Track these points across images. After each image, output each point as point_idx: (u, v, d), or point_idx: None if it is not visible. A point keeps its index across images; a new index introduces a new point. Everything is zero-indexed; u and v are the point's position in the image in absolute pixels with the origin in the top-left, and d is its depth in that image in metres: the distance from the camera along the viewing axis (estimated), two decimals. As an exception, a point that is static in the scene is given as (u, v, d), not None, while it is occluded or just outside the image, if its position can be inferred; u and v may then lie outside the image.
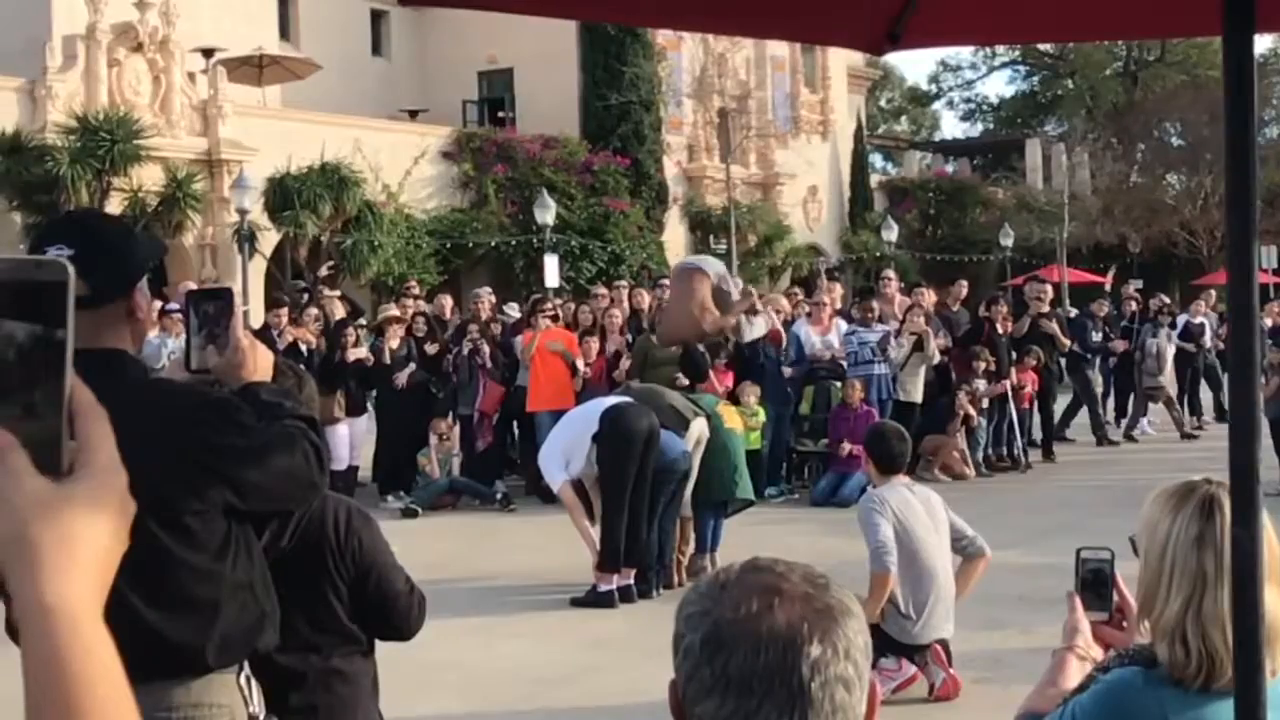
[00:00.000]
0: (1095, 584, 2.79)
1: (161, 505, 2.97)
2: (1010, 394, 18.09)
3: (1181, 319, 23.16)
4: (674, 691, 1.49)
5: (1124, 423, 21.93)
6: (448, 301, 19.25)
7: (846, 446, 15.38)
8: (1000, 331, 18.05)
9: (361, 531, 4.24)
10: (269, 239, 29.05)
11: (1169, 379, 21.89)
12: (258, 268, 28.08)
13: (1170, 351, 21.75)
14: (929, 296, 18.99)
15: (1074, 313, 24.46)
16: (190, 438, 3.07)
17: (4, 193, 27.06)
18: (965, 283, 20.89)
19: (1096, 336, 21.42)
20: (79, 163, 26.58)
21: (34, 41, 28.95)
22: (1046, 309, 18.99)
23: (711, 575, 1.58)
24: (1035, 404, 18.91)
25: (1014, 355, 18.29)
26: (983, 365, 17.55)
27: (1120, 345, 21.71)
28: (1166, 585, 2.52)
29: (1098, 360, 21.88)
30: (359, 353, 16.05)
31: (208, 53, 31.51)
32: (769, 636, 1.44)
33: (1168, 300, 25.12)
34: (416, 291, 20.41)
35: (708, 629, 1.45)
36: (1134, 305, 22.93)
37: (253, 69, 32.16)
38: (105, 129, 27.10)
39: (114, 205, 27.60)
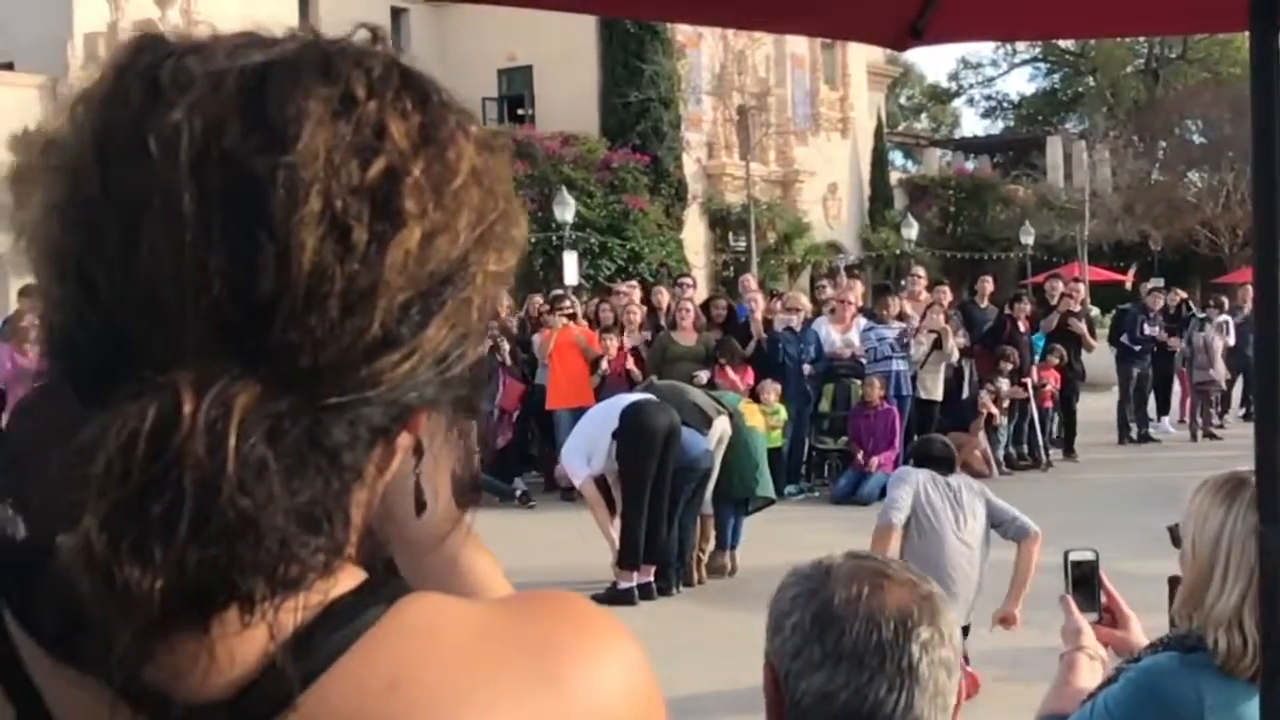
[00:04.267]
0: (1083, 585, 2.80)
1: None
2: (1032, 392, 18.04)
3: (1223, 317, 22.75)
4: (770, 670, 1.55)
5: (1163, 420, 21.76)
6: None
7: (876, 461, 15.39)
8: (1022, 329, 18.00)
9: None
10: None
11: (1220, 373, 21.67)
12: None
13: (1219, 345, 21.51)
14: (949, 294, 18.94)
15: (1094, 311, 24.32)
16: None
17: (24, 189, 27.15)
18: (990, 279, 20.78)
19: (1152, 330, 20.90)
20: (100, 160, 26.72)
21: (56, 39, 29.09)
22: (1077, 307, 18.92)
23: (812, 562, 1.65)
24: (1057, 402, 18.85)
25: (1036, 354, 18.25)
26: (1009, 365, 17.51)
27: (1174, 341, 21.27)
28: (1221, 577, 2.50)
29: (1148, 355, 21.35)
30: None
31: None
32: (882, 615, 1.51)
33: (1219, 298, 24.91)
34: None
35: (818, 607, 1.53)
36: (1177, 299, 22.66)
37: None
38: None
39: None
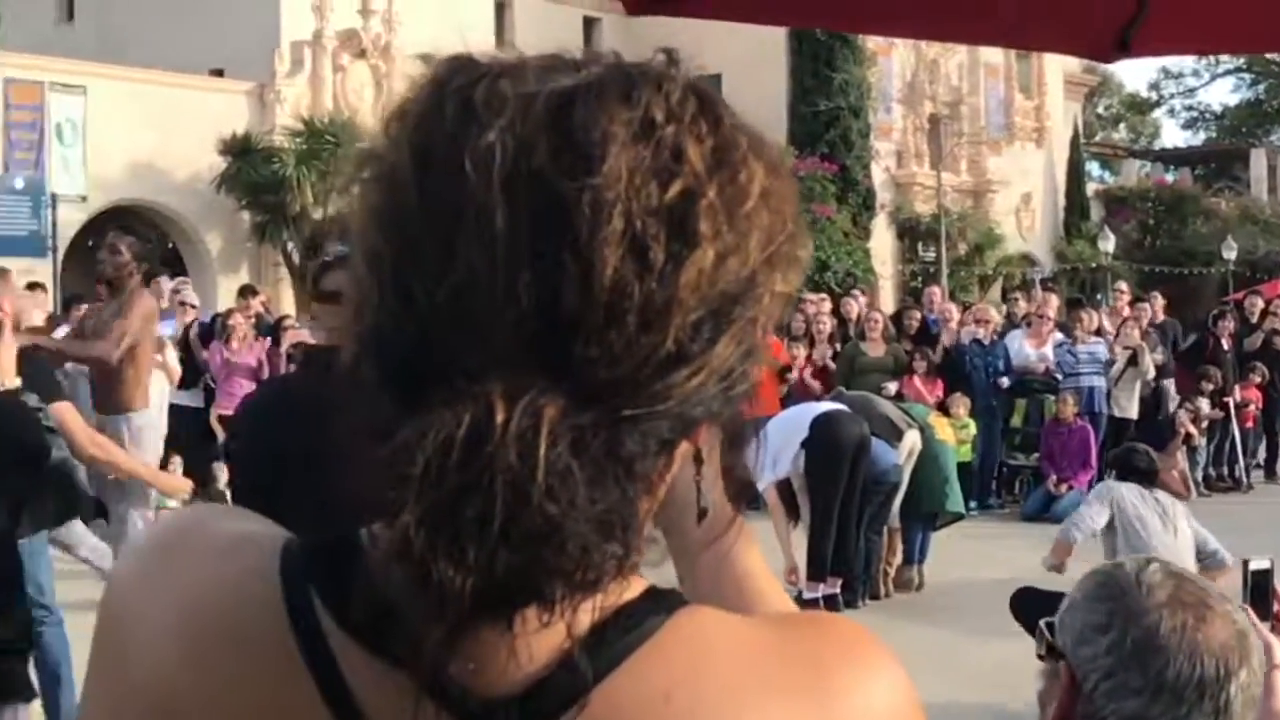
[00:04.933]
0: (1260, 594, 2.73)
1: None
2: (1233, 412, 17.46)
3: None
4: (1068, 674, 1.54)
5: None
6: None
7: (1065, 486, 15.09)
8: (1225, 347, 17.43)
9: None
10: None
11: None
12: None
13: None
14: (1152, 308, 18.41)
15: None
16: None
17: (234, 192, 28.15)
18: (1159, 296, 20.11)
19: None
20: (304, 164, 27.50)
21: (264, 47, 30.08)
22: (1281, 325, 18.27)
23: (1117, 567, 1.64)
24: (1259, 423, 18.21)
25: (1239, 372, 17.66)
26: (1210, 385, 16.98)
27: None
28: None
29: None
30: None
31: (426, 59, 32.26)
32: (1206, 651, 1.52)
33: None
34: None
35: (1141, 634, 1.52)
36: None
37: (469, 74, 32.84)
38: (330, 132, 27.98)
39: (336, 207, 28.45)
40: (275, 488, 1.80)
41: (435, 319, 0.86)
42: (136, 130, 27.48)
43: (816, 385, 14.95)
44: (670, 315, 0.87)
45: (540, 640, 0.89)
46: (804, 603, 10.19)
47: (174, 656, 0.95)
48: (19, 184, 25.54)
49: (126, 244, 7.48)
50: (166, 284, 15.00)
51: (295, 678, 0.91)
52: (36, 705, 4.26)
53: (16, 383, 3.83)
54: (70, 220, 26.38)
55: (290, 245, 28.43)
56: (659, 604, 0.94)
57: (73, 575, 6.47)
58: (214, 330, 14.12)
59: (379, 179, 0.92)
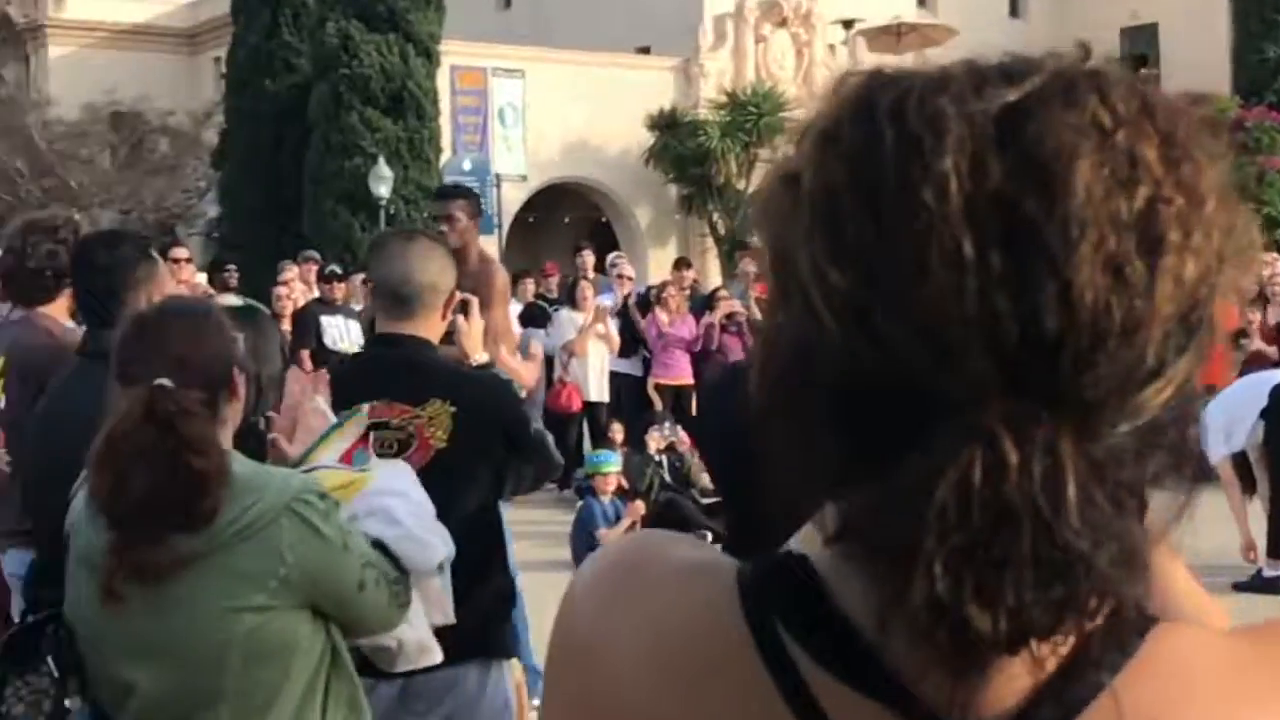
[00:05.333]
0: None
1: None
2: None
3: None
4: None
5: None
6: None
7: None
8: None
9: None
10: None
11: None
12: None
13: None
14: None
15: None
16: None
17: (661, 166, 28.96)
18: None
19: None
20: (728, 136, 27.99)
21: (688, 23, 30.73)
22: None
23: None
24: None
25: None
26: None
27: None
28: None
29: None
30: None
31: (848, 24, 32.18)
32: None
33: None
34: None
35: None
36: None
37: (891, 37, 32.45)
38: (752, 103, 28.37)
39: (760, 176, 28.77)
40: (738, 475, 1.81)
41: (902, 349, 0.84)
42: (570, 110, 28.64)
43: (1274, 351, 14.03)
44: (1149, 330, 0.84)
45: (1027, 667, 0.87)
46: (1265, 581, 9.64)
47: (648, 685, 0.96)
48: (467, 165, 27.11)
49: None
50: (589, 257, 15.57)
51: (770, 708, 0.92)
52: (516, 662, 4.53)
53: (485, 357, 4.02)
54: (512, 198, 27.80)
55: (716, 217, 29.00)
56: (1134, 621, 0.90)
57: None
58: (649, 300, 14.55)
59: (815, 210, 0.87)
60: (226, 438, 2.58)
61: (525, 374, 5.34)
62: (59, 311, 4.55)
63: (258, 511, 2.47)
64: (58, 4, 40.49)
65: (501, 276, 6.55)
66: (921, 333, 0.83)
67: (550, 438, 3.81)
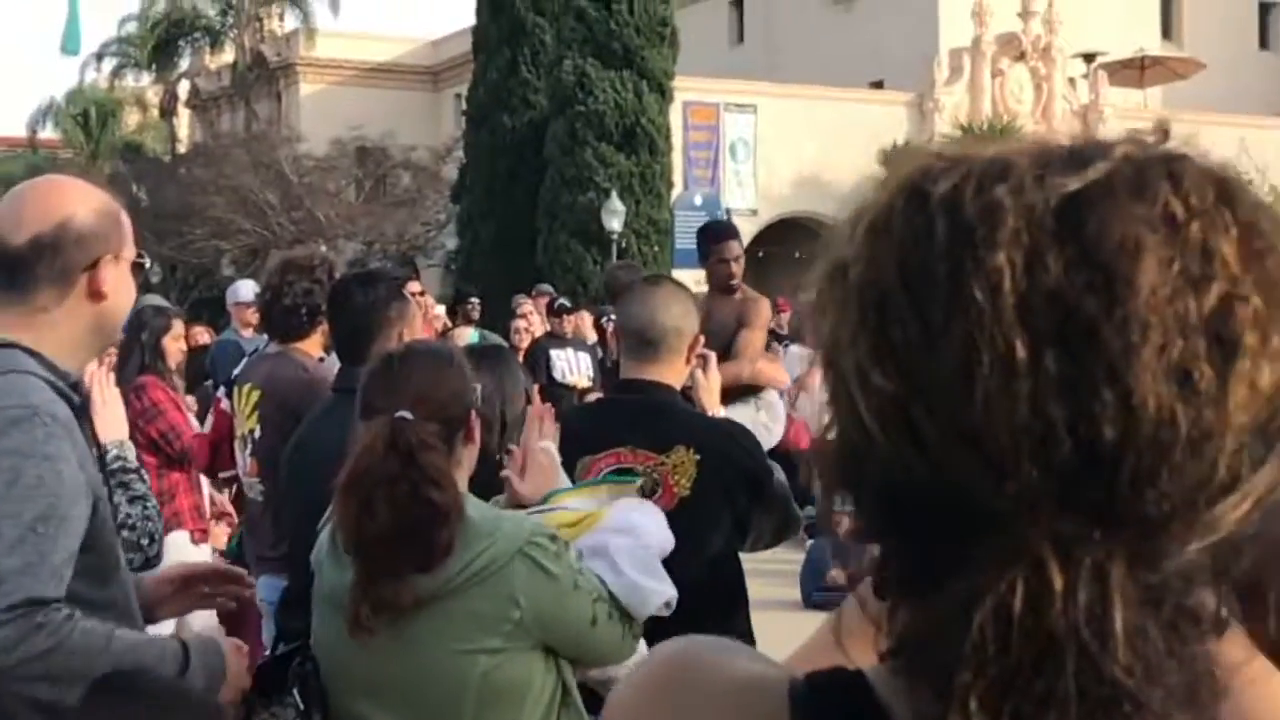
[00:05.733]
0: None
1: None
2: None
3: None
4: None
5: None
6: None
7: None
8: None
9: None
10: (1147, 244, 28.46)
11: None
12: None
13: None
14: None
15: None
16: None
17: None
18: None
19: None
20: (963, 172, 27.56)
21: (923, 57, 30.42)
22: None
23: None
24: None
25: None
26: None
27: None
28: None
29: None
30: None
31: (1089, 57, 31.44)
32: None
33: None
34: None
35: None
36: None
37: (1134, 71, 31.68)
38: (989, 138, 27.83)
39: (994, 212, 28.33)
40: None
41: (951, 459, 0.77)
42: (802, 144, 28.61)
43: None
44: (1221, 441, 0.76)
45: None
46: None
47: None
48: (697, 200, 27.31)
49: None
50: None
51: None
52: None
53: (722, 411, 4.01)
54: (743, 233, 27.84)
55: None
56: None
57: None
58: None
59: (862, 304, 0.82)
60: (462, 480, 2.62)
61: (778, 375, 5.34)
62: (313, 347, 4.70)
63: (491, 555, 2.50)
64: (309, 43, 42.28)
65: (765, 305, 6.73)
66: (968, 441, 0.77)
67: (790, 494, 3.76)
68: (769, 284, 28.74)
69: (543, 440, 3.01)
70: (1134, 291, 0.75)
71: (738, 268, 6.58)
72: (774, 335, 15.82)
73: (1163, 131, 0.83)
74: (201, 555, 5.96)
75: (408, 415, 2.49)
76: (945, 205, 0.80)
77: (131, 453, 3.12)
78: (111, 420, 3.09)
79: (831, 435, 0.86)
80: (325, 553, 2.67)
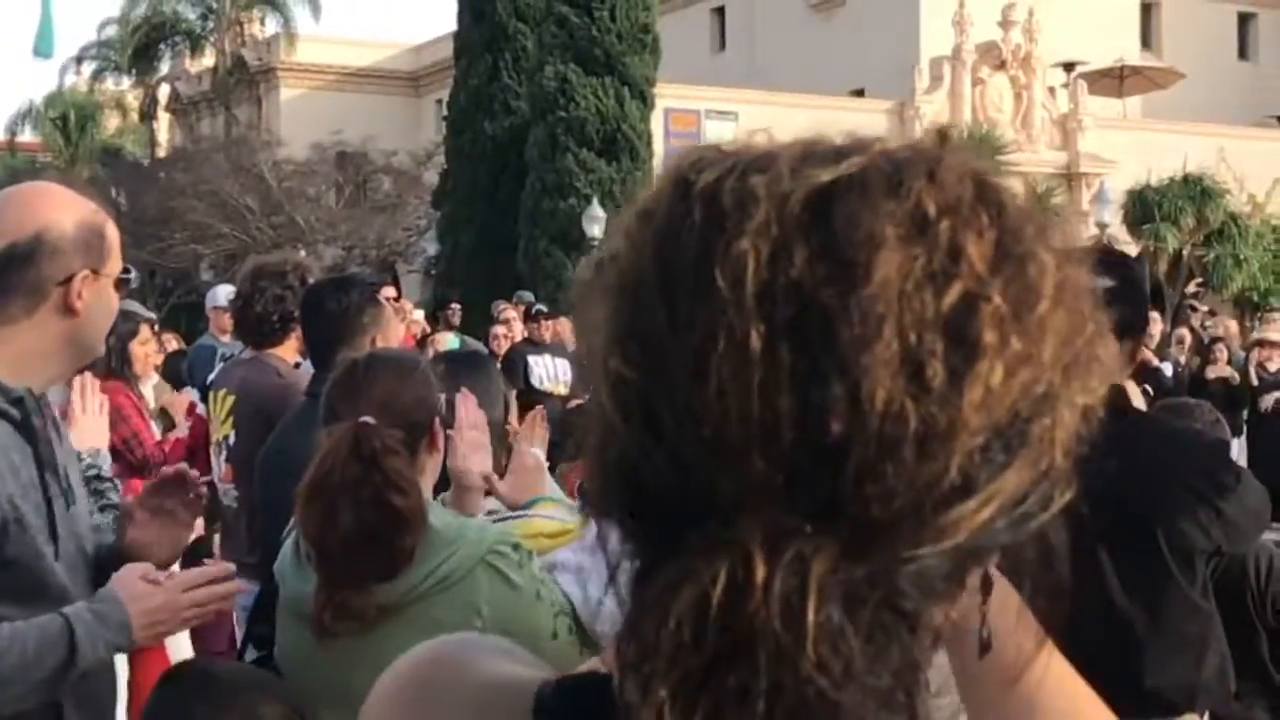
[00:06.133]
0: None
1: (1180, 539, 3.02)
2: None
3: None
4: None
5: None
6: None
7: None
8: None
9: None
10: (1128, 252, 28.52)
11: None
12: (1114, 282, 27.69)
13: None
14: None
15: None
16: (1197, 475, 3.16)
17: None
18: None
19: None
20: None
21: (903, 65, 30.49)
22: None
23: None
24: None
25: None
26: None
27: None
28: None
29: None
30: (1224, 370, 15.37)
31: (1068, 66, 31.55)
32: None
33: None
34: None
35: None
36: None
37: (1113, 80, 31.80)
38: (969, 146, 27.95)
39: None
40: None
41: (686, 449, 0.76)
42: (783, 152, 28.62)
43: None
44: (953, 441, 0.74)
45: None
46: None
47: None
48: (677, 207, 27.30)
49: None
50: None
51: None
52: None
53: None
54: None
55: (928, 260, 28.67)
56: None
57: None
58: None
59: (622, 291, 0.80)
60: (426, 488, 2.62)
61: None
62: (288, 352, 4.67)
63: (454, 563, 2.49)
64: (289, 48, 42.21)
65: None
66: (701, 430, 0.75)
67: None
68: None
69: (533, 445, 2.99)
70: (869, 283, 0.73)
71: None
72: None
73: (940, 135, 0.82)
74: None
75: (370, 420, 2.48)
76: (704, 194, 0.78)
77: (106, 462, 3.09)
78: (87, 429, 3.06)
79: (585, 424, 0.84)
80: (288, 562, 2.65)
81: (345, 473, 2.43)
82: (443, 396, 2.79)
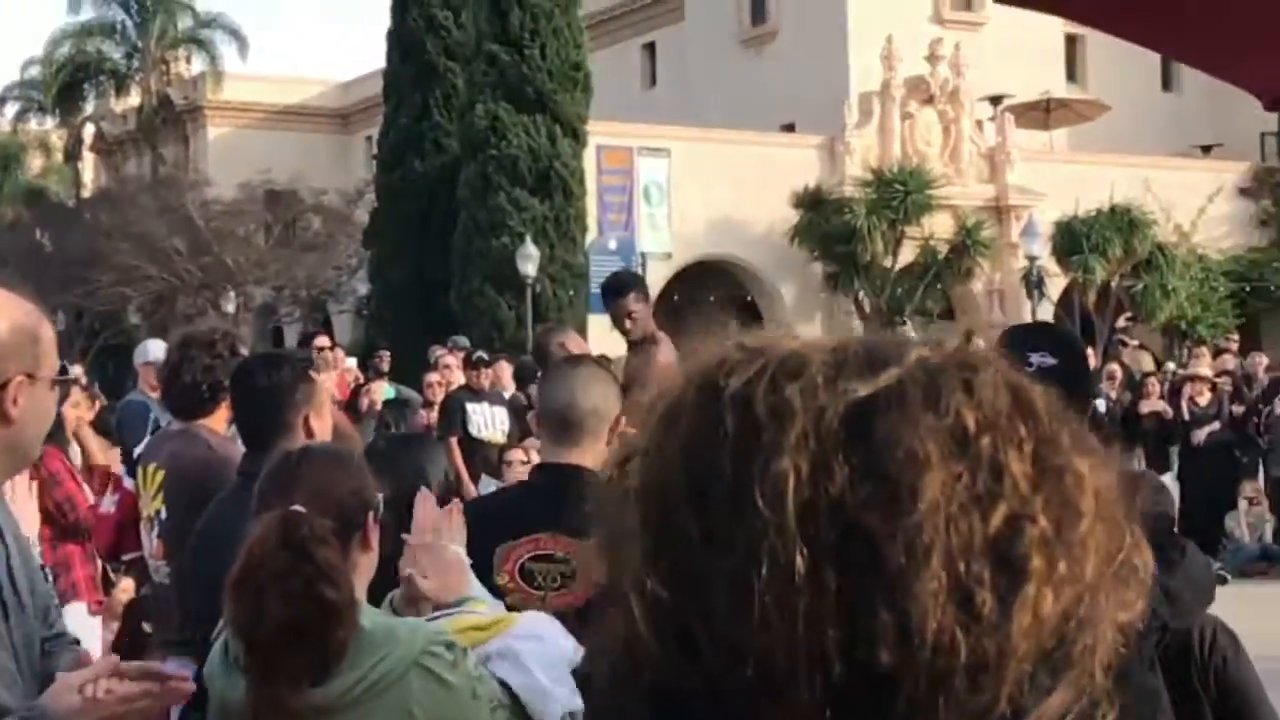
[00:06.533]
0: None
1: None
2: None
3: None
4: None
5: None
6: (1261, 361, 17.81)
7: None
8: None
9: (1227, 650, 4.06)
10: (1056, 284, 28.85)
11: None
12: (1046, 312, 27.93)
13: None
14: None
15: None
16: None
17: (806, 244, 28.88)
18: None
19: None
20: (874, 214, 27.84)
21: (833, 100, 30.69)
22: None
23: None
24: None
25: None
26: None
27: None
28: None
29: None
30: (1156, 405, 15.50)
31: (995, 100, 31.88)
32: None
33: None
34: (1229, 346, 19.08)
35: None
36: None
37: (1040, 113, 32.15)
38: (899, 180, 28.21)
39: (906, 254, 28.59)
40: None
41: (725, 675, 0.73)
42: (715, 188, 28.72)
43: None
44: (1003, 670, 0.72)
45: None
46: None
47: None
48: (612, 245, 27.30)
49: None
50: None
51: None
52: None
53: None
54: (657, 276, 27.85)
55: (861, 295, 28.80)
56: None
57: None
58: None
59: (648, 499, 0.77)
60: (359, 586, 2.56)
61: None
62: (218, 422, 4.55)
63: (387, 667, 2.43)
64: (216, 86, 41.90)
65: (665, 355, 6.27)
66: (743, 655, 0.72)
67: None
68: (683, 327, 28.74)
69: (453, 540, 2.92)
70: (917, 509, 0.72)
71: (636, 321, 6.40)
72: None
73: (968, 336, 0.81)
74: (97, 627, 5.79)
75: (300, 509, 2.42)
76: (736, 402, 0.76)
77: (36, 549, 2.98)
78: (20, 515, 2.95)
79: (607, 630, 0.80)
80: (217, 665, 2.56)
81: (273, 562, 2.36)
82: (380, 496, 2.72)
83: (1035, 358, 2.90)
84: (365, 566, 2.63)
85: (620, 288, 6.84)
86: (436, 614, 2.78)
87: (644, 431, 0.80)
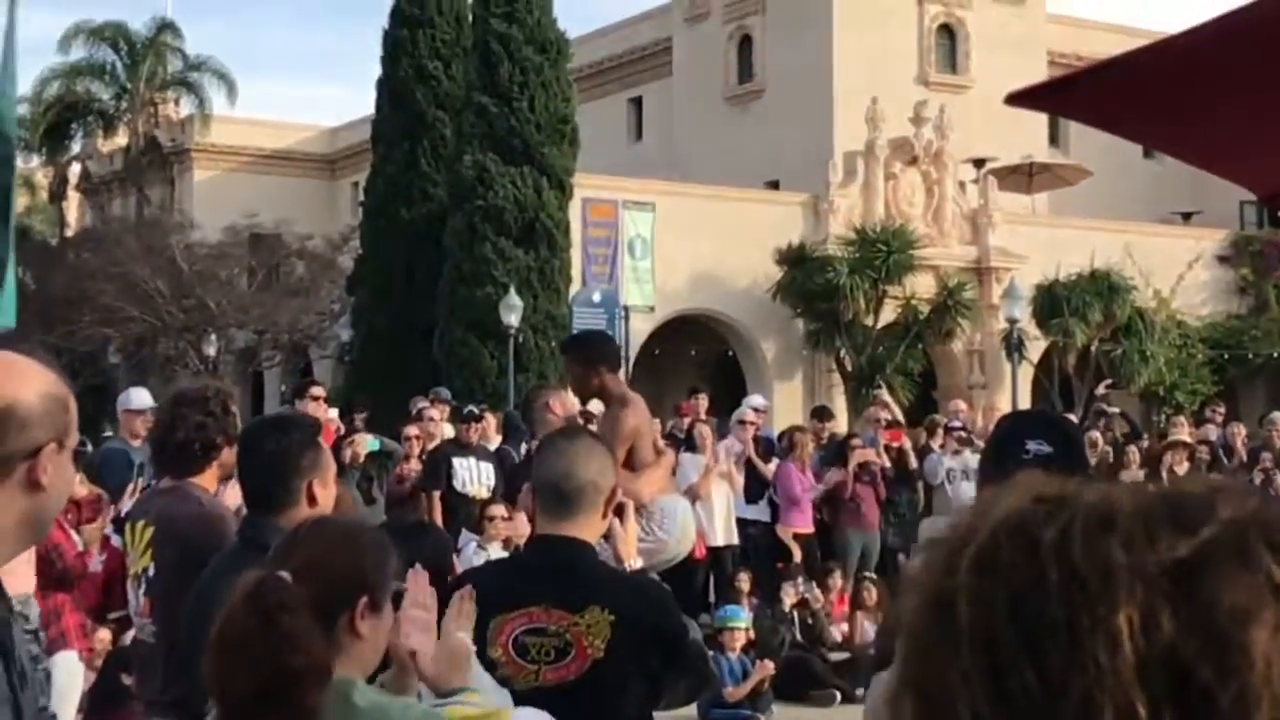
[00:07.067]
0: None
1: None
2: None
3: None
4: None
5: None
6: (1239, 431, 17.80)
7: None
8: None
9: None
10: (1036, 347, 28.97)
11: None
12: (1025, 375, 28.04)
13: None
14: None
15: None
16: None
17: (788, 300, 28.96)
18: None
19: None
20: (857, 272, 27.93)
21: (818, 159, 30.88)
22: None
23: None
24: None
25: None
26: None
27: None
28: None
29: None
30: (1136, 475, 15.53)
31: (979, 163, 32.12)
32: None
33: None
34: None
35: None
36: None
37: (1023, 177, 32.36)
38: (882, 240, 28.34)
39: (888, 313, 28.69)
40: None
41: None
42: (699, 243, 28.82)
43: None
44: None
45: None
46: None
47: None
48: (596, 297, 27.32)
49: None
50: (703, 401, 15.29)
51: None
52: None
53: (639, 563, 3.95)
54: (639, 330, 27.91)
55: (843, 353, 28.86)
56: None
57: None
58: (774, 446, 14.32)
59: (975, 644, 0.81)
60: (352, 670, 2.53)
61: (629, 546, 4.77)
62: (208, 480, 4.54)
63: None
64: (203, 129, 41.94)
65: (627, 422, 5.88)
66: None
67: (707, 652, 3.68)
68: (665, 381, 28.83)
69: (460, 629, 2.90)
70: (1249, 663, 0.76)
71: (609, 394, 6.03)
72: (673, 438, 15.78)
73: (1257, 497, 0.85)
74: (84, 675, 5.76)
75: (284, 576, 2.41)
76: (1057, 556, 0.81)
77: (34, 611, 2.98)
78: (16, 574, 2.94)
79: None
80: None
81: (240, 627, 2.35)
82: (397, 585, 2.70)
83: (1032, 445, 2.92)
84: (358, 651, 2.59)
85: (587, 359, 6.16)
86: (436, 702, 2.77)
87: (950, 576, 0.83)
